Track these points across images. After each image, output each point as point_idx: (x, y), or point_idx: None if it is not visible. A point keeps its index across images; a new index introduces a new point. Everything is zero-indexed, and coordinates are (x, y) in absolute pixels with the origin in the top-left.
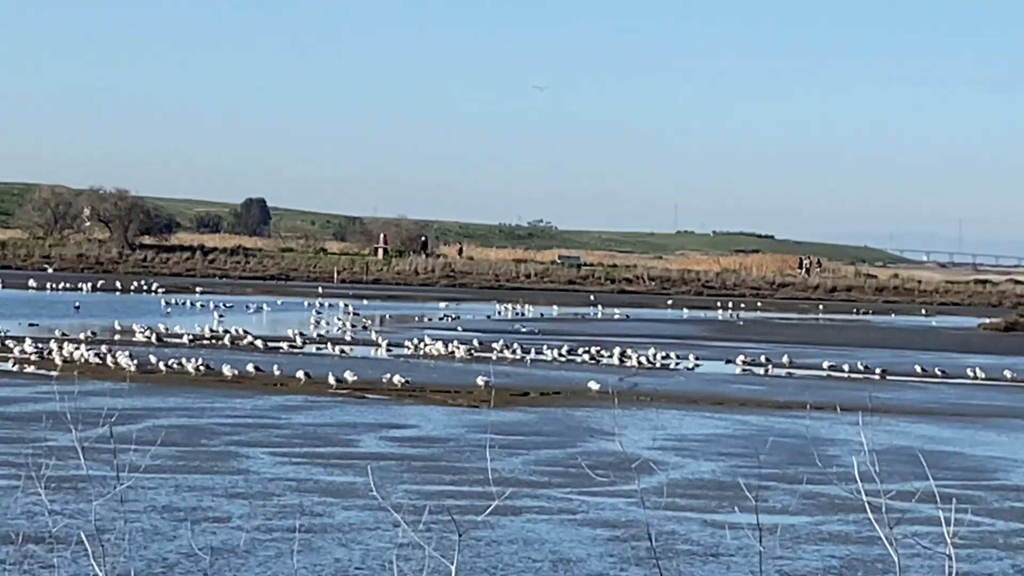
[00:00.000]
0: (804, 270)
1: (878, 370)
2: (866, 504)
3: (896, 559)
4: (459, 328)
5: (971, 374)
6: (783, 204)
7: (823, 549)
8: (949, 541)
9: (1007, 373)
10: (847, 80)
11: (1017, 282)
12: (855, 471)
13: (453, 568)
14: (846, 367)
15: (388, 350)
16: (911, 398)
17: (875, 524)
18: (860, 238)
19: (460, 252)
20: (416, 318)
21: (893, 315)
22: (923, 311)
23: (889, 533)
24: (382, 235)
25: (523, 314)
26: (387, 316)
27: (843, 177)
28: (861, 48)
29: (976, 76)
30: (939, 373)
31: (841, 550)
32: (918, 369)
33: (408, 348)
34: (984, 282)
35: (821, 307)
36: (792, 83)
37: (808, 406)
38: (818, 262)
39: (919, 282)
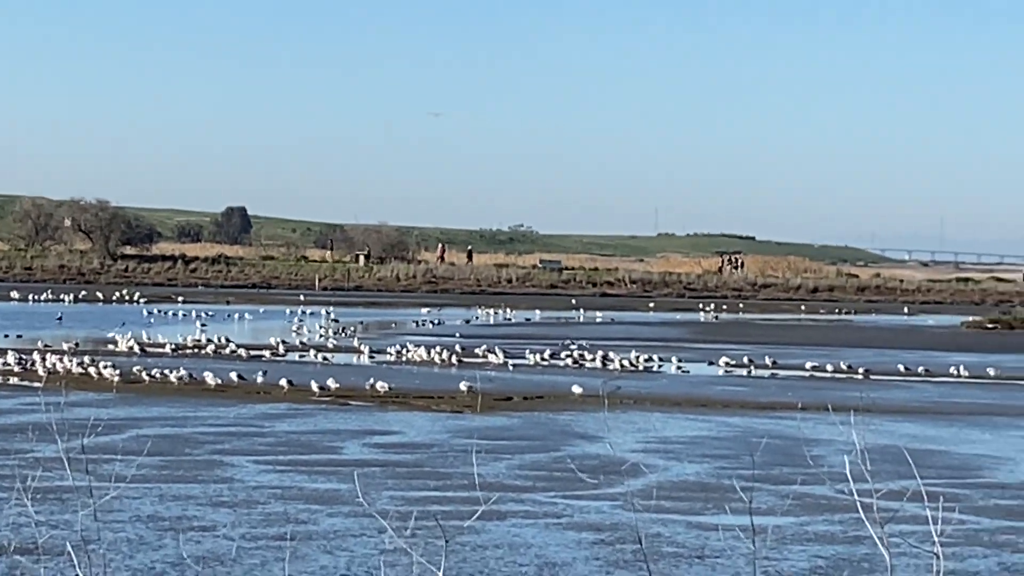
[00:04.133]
0: (728, 267)
1: (861, 369)
2: (857, 504)
3: (887, 558)
4: (449, 333)
5: (955, 372)
6: (764, 205)
7: (809, 549)
8: (937, 540)
9: (990, 371)
10: (825, 80)
11: (999, 280)
12: (841, 470)
13: (440, 573)
14: (829, 367)
15: (371, 356)
16: (895, 397)
17: (867, 523)
18: (842, 238)
19: (469, 256)
20: (397, 324)
21: (875, 314)
22: (905, 310)
23: (880, 532)
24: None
25: (508, 319)
26: (369, 323)
27: (824, 177)
28: (838, 48)
29: (956, 75)
30: (923, 372)
31: (828, 550)
32: (901, 368)
33: (391, 354)
34: (966, 280)
35: (803, 307)
36: (769, 84)
37: (799, 405)
38: (730, 259)
39: (901, 281)
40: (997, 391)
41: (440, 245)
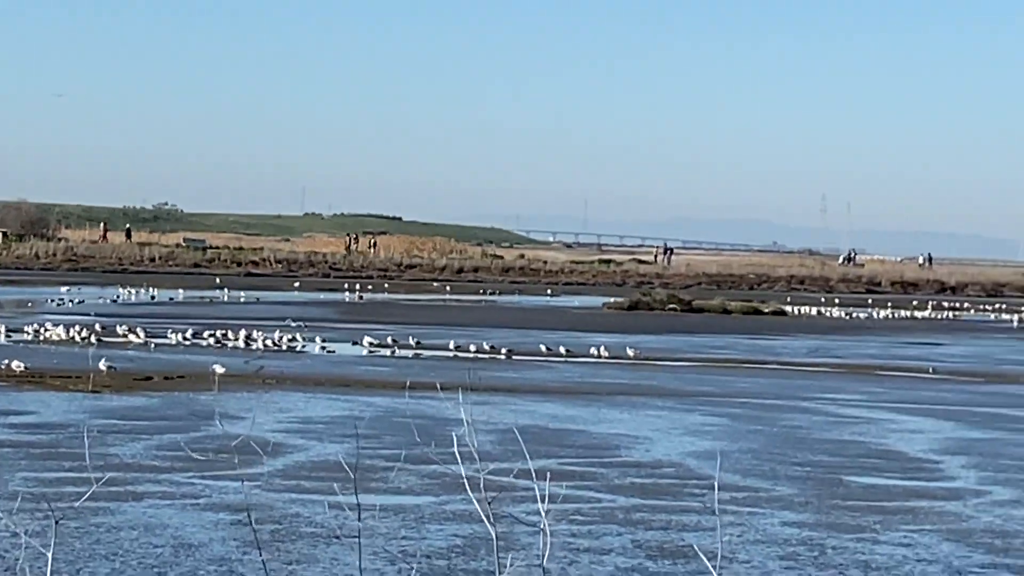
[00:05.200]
0: (356, 245)
1: (504, 350)
2: (466, 483)
3: (494, 535)
4: (89, 312)
5: (595, 353)
6: (410, 186)
7: (447, 528)
8: (544, 517)
9: (630, 351)
10: (479, 64)
11: (640, 261)
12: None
13: (49, 554)
14: (472, 347)
15: (7, 336)
16: (537, 377)
17: (475, 502)
18: (488, 219)
19: (128, 235)
20: (36, 303)
21: (519, 295)
22: (549, 291)
23: (487, 509)
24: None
25: (152, 298)
26: (5, 301)
27: (471, 159)
28: (507, 30)
29: (601, 64)
30: (564, 352)
31: (465, 529)
32: (543, 348)
33: (28, 333)
34: (608, 262)
35: (448, 288)
36: (426, 65)
37: (440, 385)
38: (356, 238)
39: (545, 262)
40: (635, 371)
41: (102, 223)
